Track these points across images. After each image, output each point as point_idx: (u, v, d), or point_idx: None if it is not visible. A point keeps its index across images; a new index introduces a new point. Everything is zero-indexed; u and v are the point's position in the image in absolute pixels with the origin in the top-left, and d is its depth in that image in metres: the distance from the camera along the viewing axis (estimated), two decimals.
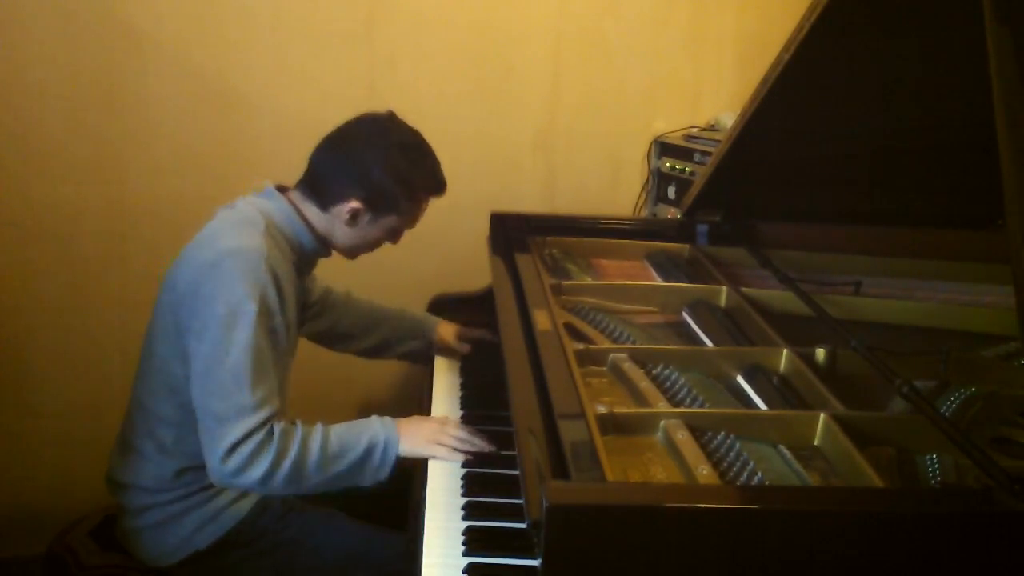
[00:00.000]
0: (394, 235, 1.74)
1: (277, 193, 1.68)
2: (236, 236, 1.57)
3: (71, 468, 2.45)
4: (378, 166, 1.63)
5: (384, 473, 1.60)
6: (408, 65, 2.50)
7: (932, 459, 1.31)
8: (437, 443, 1.62)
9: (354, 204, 1.64)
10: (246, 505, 1.68)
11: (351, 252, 1.75)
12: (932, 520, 1.09)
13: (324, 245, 1.72)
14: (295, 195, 1.69)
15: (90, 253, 2.40)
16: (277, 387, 1.57)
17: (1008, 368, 1.61)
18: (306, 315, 1.89)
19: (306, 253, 1.70)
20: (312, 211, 1.68)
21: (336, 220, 1.67)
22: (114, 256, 2.42)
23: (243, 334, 1.50)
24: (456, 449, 1.62)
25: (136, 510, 1.67)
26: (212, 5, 2.34)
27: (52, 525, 1.81)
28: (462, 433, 1.64)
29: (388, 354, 2.09)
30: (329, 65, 2.46)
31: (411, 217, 1.72)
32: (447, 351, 2.07)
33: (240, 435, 1.49)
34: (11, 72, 2.24)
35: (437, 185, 1.71)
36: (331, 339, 2.03)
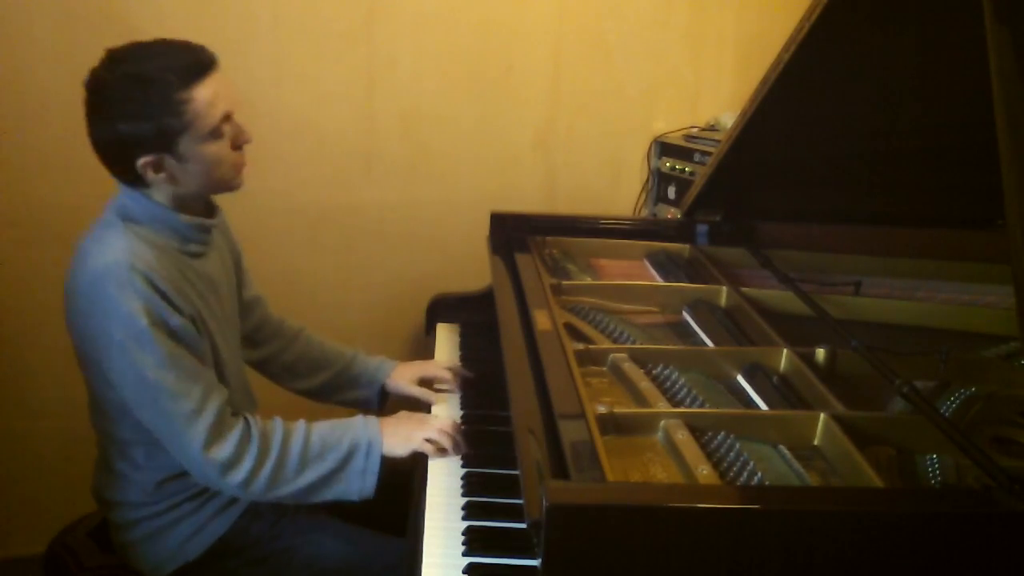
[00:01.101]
0: (224, 138, 1.49)
1: (123, 185, 1.52)
2: (98, 251, 1.46)
3: (71, 468, 2.44)
4: (116, 121, 1.43)
5: (370, 481, 1.57)
6: (408, 65, 2.50)
7: (932, 459, 1.31)
8: (419, 439, 1.60)
9: (141, 162, 1.45)
10: (235, 513, 1.65)
11: (210, 187, 1.54)
12: (932, 520, 1.09)
13: (186, 208, 1.54)
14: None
15: None
16: (213, 377, 1.52)
17: (1008, 368, 1.61)
18: (240, 280, 1.77)
19: (180, 228, 1.53)
20: (140, 192, 1.51)
21: (156, 185, 1.49)
22: None
23: (149, 353, 1.43)
24: (437, 443, 1.61)
25: (124, 524, 1.65)
26: (212, 5, 2.34)
27: (52, 525, 1.81)
28: (444, 426, 1.63)
29: (330, 399, 1.94)
30: (329, 65, 2.45)
31: (205, 120, 1.45)
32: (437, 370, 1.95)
33: (203, 438, 1.46)
34: (12, 72, 2.24)
35: (187, 72, 1.43)
36: (272, 371, 1.91)
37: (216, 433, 1.48)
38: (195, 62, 1.45)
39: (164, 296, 1.46)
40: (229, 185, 1.55)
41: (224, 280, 1.67)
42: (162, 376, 1.44)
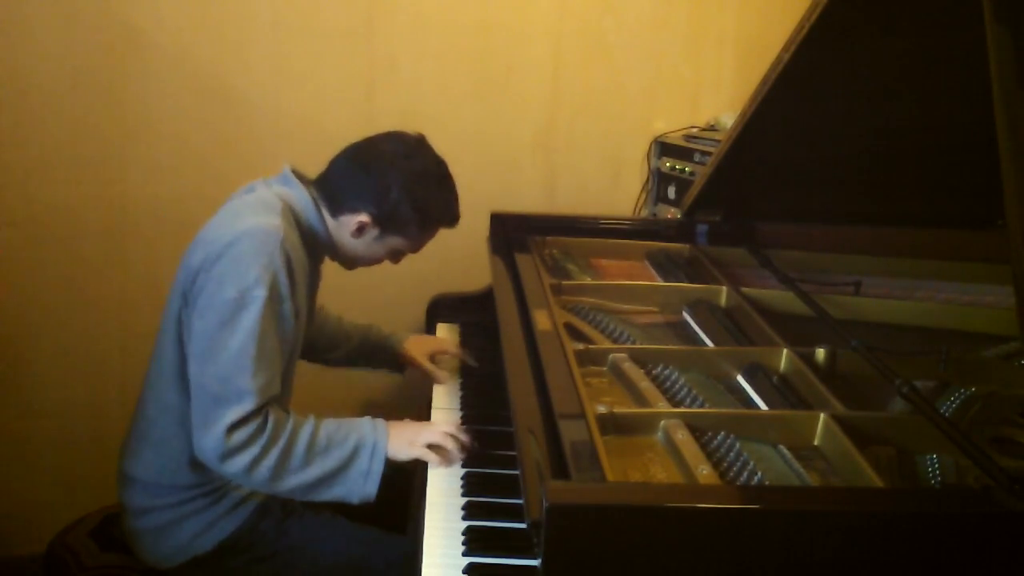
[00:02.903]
0: (396, 256, 1.76)
1: (296, 181, 1.67)
2: (253, 216, 1.56)
3: (71, 468, 2.45)
4: (397, 187, 1.63)
5: (372, 484, 1.57)
6: (408, 65, 2.50)
7: (932, 459, 1.31)
8: (421, 445, 1.60)
9: (363, 218, 1.65)
10: (245, 511, 1.66)
11: (350, 263, 1.76)
12: (932, 520, 1.09)
13: (332, 243, 1.71)
14: (312, 191, 1.69)
15: (90, 253, 2.40)
16: (279, 373, 1.56)
17: (1008, 368, 1.61)
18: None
19: (320, 244, 1.69)
20: (324, 213, 1.68)
21: (342, 229, 1.68)
22: (114, 256, 2.42)
23: (250, 319, 1.49)
24: (440, 447, 1.61)
25: (138, 511, 1.67)
26: (212, 5, 2.34)
27: (52, 525, 1.81)
28: (448, 429, 1.63)
29: (357, 367, 2.07)
30: (329, 65, 2.46)
31: (418, 243, 1.73)
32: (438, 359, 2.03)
33: (235, 419, 1.47)
34: (12, 72, 2.24)
35: (451, 219, 1.72)
36: None
37: (245, 420, 1.49)
38: (457, 218, 1.73)
39: (291, 280, 1.56)
40: (351, 266, 1.78)
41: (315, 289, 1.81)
42: (246, 346, 1.49)
